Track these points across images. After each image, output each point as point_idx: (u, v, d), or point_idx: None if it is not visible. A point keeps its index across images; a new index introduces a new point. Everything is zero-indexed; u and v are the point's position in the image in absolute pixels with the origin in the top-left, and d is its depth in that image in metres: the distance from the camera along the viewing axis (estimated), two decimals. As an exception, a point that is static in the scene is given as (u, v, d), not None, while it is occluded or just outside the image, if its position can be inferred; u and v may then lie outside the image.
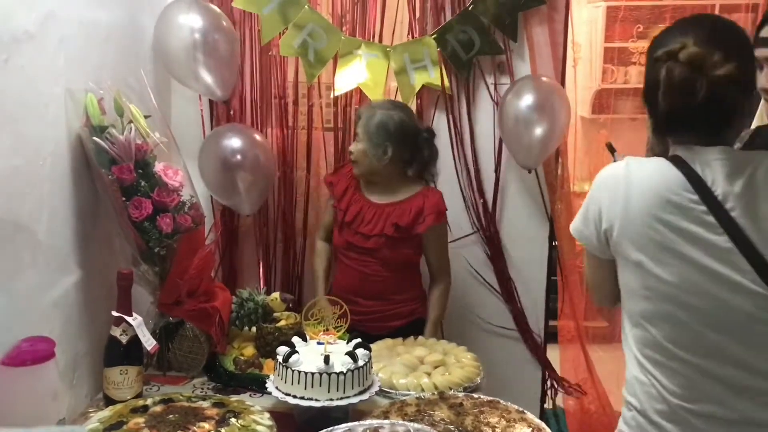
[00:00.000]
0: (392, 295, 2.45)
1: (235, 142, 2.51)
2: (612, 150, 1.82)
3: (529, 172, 2.73)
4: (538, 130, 2.59)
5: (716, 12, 3.80)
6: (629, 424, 1.50)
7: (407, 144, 2.40)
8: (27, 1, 1.54)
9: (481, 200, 2.81)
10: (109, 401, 1.79)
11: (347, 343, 1.86)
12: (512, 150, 2.71)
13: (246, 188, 2.52)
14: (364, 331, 2.17)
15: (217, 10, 2.53)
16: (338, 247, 2.49)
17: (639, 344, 1.47)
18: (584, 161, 3.28)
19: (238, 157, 2.50)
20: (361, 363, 1.75)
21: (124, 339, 1.81)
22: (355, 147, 2.41)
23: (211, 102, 2.72)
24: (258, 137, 2.61)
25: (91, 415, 1.68)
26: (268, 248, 2.82)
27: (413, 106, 2.69)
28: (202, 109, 2.72)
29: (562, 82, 2.80)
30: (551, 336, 3.06)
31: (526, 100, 2.59)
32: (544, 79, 2.68)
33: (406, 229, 2.37)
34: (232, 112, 2.72)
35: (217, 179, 2.52)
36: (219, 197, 2.61)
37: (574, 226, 1.54)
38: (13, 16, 1.48)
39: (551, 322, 3.05)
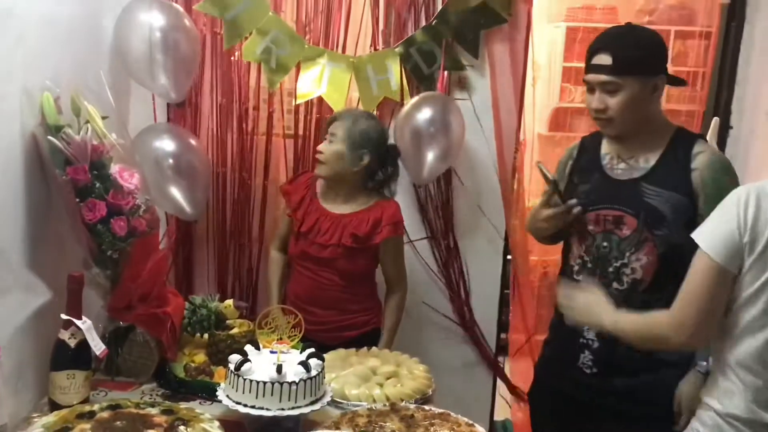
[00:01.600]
0: (348, 305, 2.45)
1: (167, 144, 2.46)
2: (545, 173, 2.08)
3: (418, 188, 2.80)
4: (431, 148, 2.62)
5: (671, 37, 3.92)
6: (705, 423, 1.62)
7: (380, 156, 2.42)
8: (-15, -4, 1.52)
9: (438, 212, 2.85)
10: (55, 406, 1.75)
11: (300, 352, 1.86)
12: (405, 165, 2.70)
13: (180, 191, 2.48)
14: (319, 341, 2.16)
15: (180, 8, 2.50)
16: (294, 256, 2.47)
17: (740, 353, 1.55)
18: (540, 177, 3.33)
19: (170, 161, 2.45)
20: (313, 373, 1.74)
21: (72, 343, 1.77)
22: (327, 147, 2.37)
23: (168, 105, 2.69)
24: (193, 142, 2.57)
25: (35, 420, 1.64)
26: (223, 255, 2.80)
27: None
28: (155, 111, 2.66)
29: (521, 100, 2.86)
30: (503, 349, 3.11)
31: (424, 113, 2.62)
32: (441, 96, 2.71)
33: (363, 240, 2.37)
34: (187, 116, 2.69)
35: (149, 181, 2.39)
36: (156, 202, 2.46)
37: (706, 240, 1.56)
38: (-31, 11, 1.45)
39: (503, 335, 3.10)
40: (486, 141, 2.81)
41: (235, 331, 2.12)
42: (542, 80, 3.56)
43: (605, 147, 2.11)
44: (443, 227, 2.86)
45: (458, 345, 2.96)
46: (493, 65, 2.78)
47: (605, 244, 2.01)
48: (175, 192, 2.48)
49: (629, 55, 1.92)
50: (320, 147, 2.41)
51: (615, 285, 1.98)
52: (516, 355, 3.13)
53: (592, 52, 1.99)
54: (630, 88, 1.91)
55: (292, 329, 1.88)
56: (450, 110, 2.67)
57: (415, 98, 2.67)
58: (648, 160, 1.99)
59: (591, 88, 1.99)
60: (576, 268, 2.09)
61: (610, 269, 1.99)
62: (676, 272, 1.71)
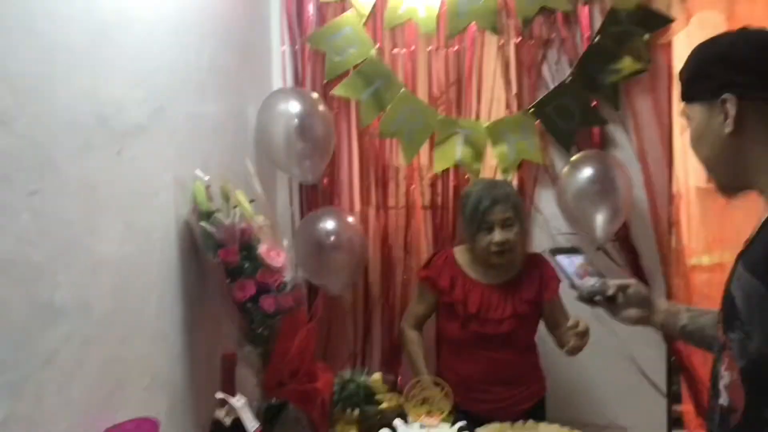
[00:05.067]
0: (523, 376, 2.37)
1: (329, 224, 2.55)
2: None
3: (597, 249, 2.61)
4: (600, 206, 2.52)
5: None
6: None
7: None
8: (139, 97, 1.66)
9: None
10: (213, 485, 1.78)
11: (451, 426, 1.79)
12: (574, 225, 2.64)
13: (338, 269, 2.54)
14: (495, 419, 2.12)
15: (314, 95, 2.63)
16: (461, 340, 2.34)
17: None
18: (700, 232, 3.10)
19: (332, 238, 2.53)
20: (465, 447, 1.67)
21: (227, 421, 1.81)
22: (510, 233, 2.25)
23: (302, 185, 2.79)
24: (351, 219, 2.65)
25: (195, 498, 1.68)
26: (370, 327, 2.80)
27: (513, 180, 2.68)
28: (291, 192, 2.79)
29: (670, 150, 2.70)
30: (677, 422, 2.84)
31: (585, 173, 2.54)
32: (604, 154, 2.64)
33: (535, 302, 2.32)
34: (324, 195, 2.77)
35: (311, 260, 2.53)
36: (311, 277, 2.58)
37: None
38: (126, 110, 1.59)
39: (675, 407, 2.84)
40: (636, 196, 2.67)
41: (384, 405, 2.09)
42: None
43: None
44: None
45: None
46: (635, 116, 2.67)
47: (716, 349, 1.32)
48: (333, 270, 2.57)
49: (690, 76, 1.38)
50: (502, 238, 2.24)
51: (720, 401, 1.26)
52: (693, 429, 2.84)
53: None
54: (695, 117, 1.35)
55: (442, 401, 1.82)
56: (612, 166, 2.59)
57: (573, 157, 2.62)
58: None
59: None
60: None
61: (718, 385, 1.28)
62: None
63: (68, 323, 1.34)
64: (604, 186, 2.53)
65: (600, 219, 2.53)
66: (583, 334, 1.96)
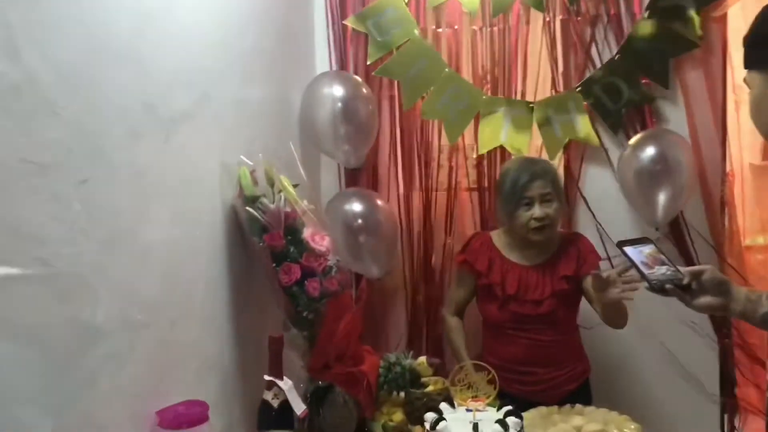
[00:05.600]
0: (566, 357, 2.34)
1: (356, 206, 2.50)
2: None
3: (656, 230, 2.55)
4: (663, 185, 2.45)
5: None
6: None
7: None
8: (184, 84, 1.67)
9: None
10: (262, 466, 1.81)
11: (497, 410, 1.78)
12: (635, 206, 2.58)
13: (369, 252, 2.50)
14: (539, 401, 2.11)
15: (358, 79, 2.62)
16: (501, 323, 2.33)
17: None
18: (755, 212, 3.01)
19: (360, 221, 2.48)
20: (512, 432, 1.65)
21: (275, 403, 1.83)
22: (550, 209, 2.23)
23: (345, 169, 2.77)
24: (379, 201, 2.60)
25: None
26: (414, 311, 2.79)
27: (561, 161, 2.62)
28: (340, 176, 2.77)
29: (724, 128, 2.62)
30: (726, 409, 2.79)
31: (648, 152, 2.48)
32: (668, 131, 2.56)
33: (574, 278, 2.28)
34: (368, 178, 2.74)
35: (341, 243, 2.46)
36: (345, 262, 2.51)
37: None
38: (171, 98, 1.60)
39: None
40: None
41: (430, 389, 2.09)
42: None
43: None
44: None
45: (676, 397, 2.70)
46: (686, 94, 2.59)
47: None
48: (365, 253, 2.53)
49: (751, 41, 1.34)
50: (542, 213, 2.22)
51: None
52: (748, 414, 2.78)
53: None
54: (754, 85, 1.33)
55: (488, 384, 1.81)
56: (676, 145, 2.52)
57: (636, 137, 2.56)
58: None
59: None
60: None
61: None
62: None
63: (118, 308, 1.37)
64: (668, 165, 2.47)
65: (662, 199, 2.48)
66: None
